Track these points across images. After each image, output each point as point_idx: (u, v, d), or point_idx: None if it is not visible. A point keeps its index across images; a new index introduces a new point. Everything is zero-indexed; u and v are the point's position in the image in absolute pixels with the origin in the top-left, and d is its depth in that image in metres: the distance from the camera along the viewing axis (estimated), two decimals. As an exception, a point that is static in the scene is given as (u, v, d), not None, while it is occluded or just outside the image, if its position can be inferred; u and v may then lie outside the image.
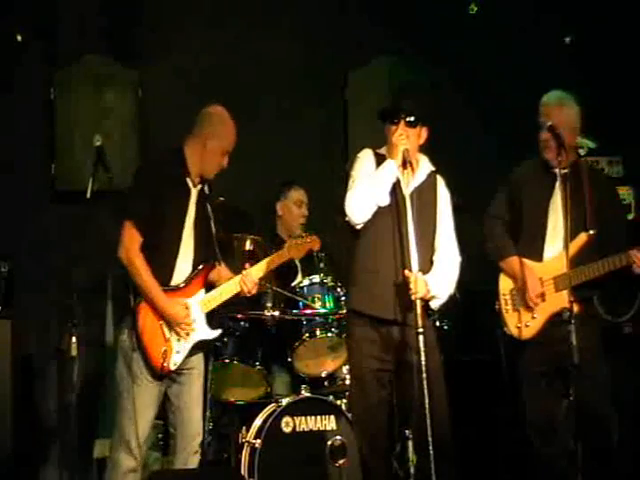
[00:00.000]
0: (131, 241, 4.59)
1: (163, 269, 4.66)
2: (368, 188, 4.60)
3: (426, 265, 4.63)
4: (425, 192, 4.69)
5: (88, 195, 4.53)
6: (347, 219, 4.64)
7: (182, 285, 4.72)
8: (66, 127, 6.52)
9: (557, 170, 4.87)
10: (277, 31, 6.90)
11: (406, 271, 4.53)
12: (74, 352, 4.49)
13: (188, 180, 4.75)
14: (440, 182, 4.80)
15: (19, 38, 6.46)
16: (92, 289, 5.34)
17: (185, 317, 4.66)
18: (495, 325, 5.24)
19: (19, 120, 6.47)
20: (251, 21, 6.87)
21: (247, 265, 5.39)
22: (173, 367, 4.66)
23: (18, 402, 5.72)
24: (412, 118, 4.65)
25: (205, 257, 4.78)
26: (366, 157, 4.76)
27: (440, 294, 4.67)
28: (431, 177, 4.77)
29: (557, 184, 4.87)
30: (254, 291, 4.83)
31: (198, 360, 4.81)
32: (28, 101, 6.52)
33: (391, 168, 4.63)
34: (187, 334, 4.67)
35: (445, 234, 4.74)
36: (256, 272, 4.85)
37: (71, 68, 6.59)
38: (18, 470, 5.74)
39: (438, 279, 4.65)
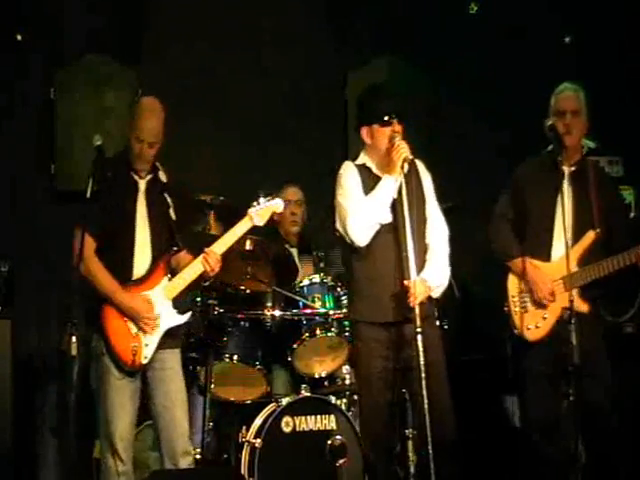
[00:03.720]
0: (85, 249, 4.60)
1: (122, 266, 4.70)
2: (369, 210, 4.60)
3: (422, 252, 4.65)
4: (411, 181, 4.65)
5: (88, 195, 4.53)
6: (350, 242, 4.64)
7: (143, 278, 4.73)
8: (66, 127, 6.52)
9: (565, 168, 4.88)
10: (277, 31, 6.90)
11: (405, 281, 4.54)
12: (74, 352, 4.48)
13: (132, 174, 4.79)
14: (421, 166, 4.82)
15: (19, 38, 6.45)
16: (92, 289, 5.32)
17: (147, 311, 4.68)
18: (495, 325, 5.24)
19: (19, 120, 6.47)
20: (251, 21, 6.87)
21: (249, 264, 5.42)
22: (145, 361, 4.67)
23: (18, 402, 5.71)
24: (400, 115, 4.65)
25: (165, 245, 4.79)
26: (349, 172, 4.73)
27: (441, 282, 4.71)
28: (412, 165, 4.73)
29: (564, 183, 4.87)
30: (217, 269, 4.77)
31: (172, 359, 4.79)
32: (28, 101, 6.52)
33: (390, 186, 4.63)
34: (152, 328, 4.68)
35: (433, 213, 4.77)
36: (218, 248, 4.81)
37: (71, 68, 6.59)
38: (18, 470, 5.74)
39: (436, 269, 4.68)
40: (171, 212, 4.79)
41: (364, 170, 4.72)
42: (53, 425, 6.25)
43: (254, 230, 5.01)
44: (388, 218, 4.62)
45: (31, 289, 6.35)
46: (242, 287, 5.73)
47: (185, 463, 4.74)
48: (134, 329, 4.69)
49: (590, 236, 4.80)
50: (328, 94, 7.02)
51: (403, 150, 4.60)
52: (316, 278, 5.77)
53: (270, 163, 6.78)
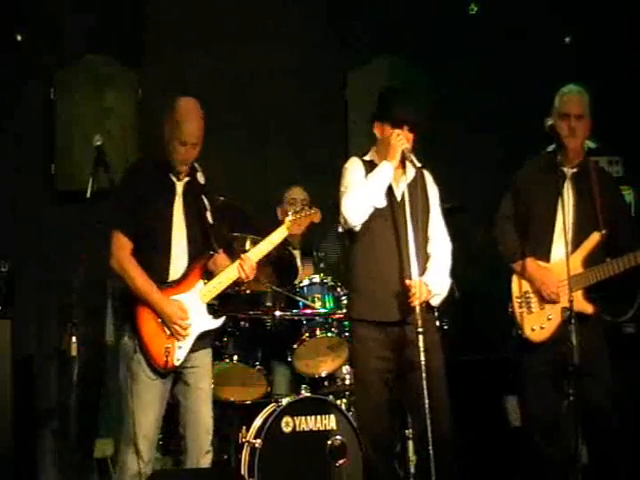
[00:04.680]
0: (120, 248, 4.63)
1: (158, 268, 4.67)
2: (365, 190, 4.63)
3: (423, 260, 4.66)
4: (415, 189, 4.69)
5: (88, 195, 4.53)
6: (343, 222, 4.65)
7: (179, 280, 4.71)
8: (66, 127, 6.52)
9: (567, 169, 4.88)
10: (277, 31, 6.90)
11: (407, 280, 4.55)
12: (74, 352, 4.49)
13: (171, 175, 4.76)
14: (428, 177, 4.84)
15: (19, 38, 6.46)
16: (92, 289, 5.33)
17: (181, 318, 4.65)
18: (495, 325, 5.24)
19: (19, 120, 6.47)
20: (251, 21, 6.87)
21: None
22: (177, 363, 4.65)
23: (18, 402, 5.71)
24: (415, 125, 4.68)
25: (201, 248, 4.77)
26: (354, 166, 4.77)
27: (441, 291, 4.70)
28: (419, 173, 4.78)
29: (566, 184, 4.87)
30: (252, 276, 4.76)
31: (203, 358, 4.78)
32: (28, 101, 6.52)
33: (388, 170, 4.66)
34: (182, 336, 4.65)
35: (437, 225, 4.78)
36: (255, 255, 4.80)
37: (71, 68, 6.60)
38: (18, 470, 5.74)
39: (437, 277, 4.68)
40: (208, 215, 4.75)
41: (370, 166, 4.74)
42: (53, 425, 6.26)
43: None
44: (382, 202, 4.64)
45: (31, 289, 6.34)
46: (242, 287, 5.72)
47: (206, 462, 4.73)
48: (168, 331, 4.66)
49: (595, 238, 4.80)
50: (328, 94, 7.03)
51: (402, 140, 4.63)
52: (316, 278, 5.77)
53: (270, 163, 6.78)
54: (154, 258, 4.67)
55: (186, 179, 4.78)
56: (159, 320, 4.64)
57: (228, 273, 4.75)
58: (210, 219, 4.75)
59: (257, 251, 4.83)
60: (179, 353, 4.65)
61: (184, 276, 4.72)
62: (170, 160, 4.72)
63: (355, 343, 4.78)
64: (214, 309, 4.81)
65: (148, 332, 4.62)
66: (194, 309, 4.70)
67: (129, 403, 4.59)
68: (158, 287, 4.64)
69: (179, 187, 4.77)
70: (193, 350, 4.70)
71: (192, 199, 4.77)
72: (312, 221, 5.02)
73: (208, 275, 4.78)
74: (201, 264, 4.76)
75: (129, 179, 4.72)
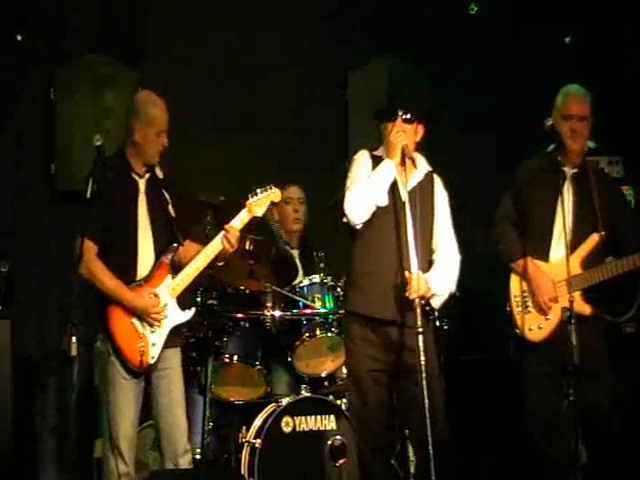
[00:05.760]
0: (86, 253, 4.62)
1: (126, 267, 4.71)
2: (367, 189, 4.62)
3: (425, 266, 4.63)
4: (423, 192, 4.69)
5: (88, 195, 4.53)
6: (346, 220, 4.66)
7: (147, 278, 4.73)
8: (66, 127, 6.52)
9: (567, 169, 4.87)
10: (277, 31, 6.90)
11: (406, 272, 4.53)
12: (74, 352, 4.49)
13: (132, 174, 4.79)
14: (438, 182, 4.81)
15: (19, 38, 6.46)
16: (92, 289, 5.32)
17: (154, 305, 4.68)
18: (495, 325, 5.24)
19: (19, 120, 6.47)
20: (251, 21, 6.87)
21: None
22: (152, 360, 4.68)
23: (18, 402, 5.71)
24: (408, 115, 4.66)
25: (167, 243, 4.79)
26: (362, 159, 4.77)
27: (441, 291, 4.68)
28: (428, 177, 4.78)
29: (566, 184, 4.86)
30: (236, 246, 4.80)
31: (173, 358, 4.80)
32: (28, 101, 6.52)
33: (389, 168, 4.65)
34: (160, 321, 4.68)
35: (444, 233, 4.75)
36: (238, 224, 4.84)
37: (71, 68, 6.59)
38: (18, 470, 5.74)
39: (438, 276, 4.66)
40: (170, 208, 4.80)
41: (378, 161, 4.73)
42: (53, 425, 6.26)
43: (253, 226, 5.00)
44: (384, 201, 4.62)
45: (31, 289, 6.35)
46: (242, 287, 5.73)
47: (185, 462, 4.76)
48: (140, 329, 4.69)
49: (594, 239, 4.80)
50: (328, 94, 7.03)
51: (401, 136, 4.62)
52: (316, 278, 5.76)
53: (270, 163, 6.78)
54: (121, 258, 4.71)
55: (147, 176, 4.82)
56: (131, 320, 4.67)
57: (206, 253, 4.76)
58: (172, 212, 4.79)
59: (238, 221, 4.86)
60: (153, 351, 4.69)
61: (152, 273, 4.75)
62: (143, 156, 4.76)
63: (348, 342, 4.79)
64: (184, 302, 4.83)
65: (121, 334, 4.66)
66: (164, 302, 4.72)
67: (107, 405, 4.65)
68: (127, 287, 4.67)
69: (142, 185, 4.81)
70: (165, 346, 4.72)
71: (154, 195, 4.80)
72: (272, 201, 5.01)
73: (177, 270, 4.80)
74: (168, 259, 4.78)
75: (93, 183, 4.66)
